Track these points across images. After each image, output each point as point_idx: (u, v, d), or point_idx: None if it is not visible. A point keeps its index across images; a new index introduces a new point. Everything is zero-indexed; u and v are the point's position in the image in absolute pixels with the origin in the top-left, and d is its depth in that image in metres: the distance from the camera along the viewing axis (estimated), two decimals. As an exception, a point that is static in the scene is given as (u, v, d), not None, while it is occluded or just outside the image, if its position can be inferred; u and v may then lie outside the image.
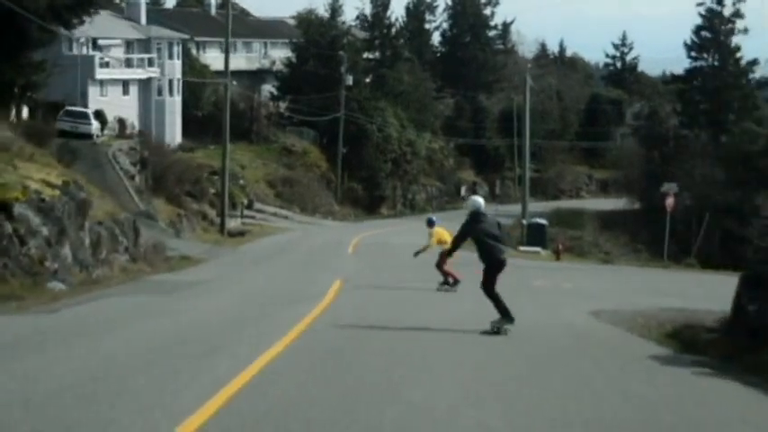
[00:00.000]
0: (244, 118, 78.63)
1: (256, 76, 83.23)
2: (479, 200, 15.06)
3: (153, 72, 71.47)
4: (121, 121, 53.11)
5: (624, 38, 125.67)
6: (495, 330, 14.44)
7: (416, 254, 23.75)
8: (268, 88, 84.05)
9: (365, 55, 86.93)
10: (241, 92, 78.92)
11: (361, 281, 24.95)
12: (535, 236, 43.76)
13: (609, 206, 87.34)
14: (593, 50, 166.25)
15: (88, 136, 45.93)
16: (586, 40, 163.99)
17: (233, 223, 57.32)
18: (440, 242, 22.60)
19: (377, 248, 40.59)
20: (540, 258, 41.26)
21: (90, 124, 46.55)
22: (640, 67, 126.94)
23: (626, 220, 75.50)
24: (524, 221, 45.12)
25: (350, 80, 77.57)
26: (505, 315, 14.58)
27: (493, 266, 14.61)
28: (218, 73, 76.98)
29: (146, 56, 71.11)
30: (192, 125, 74.85)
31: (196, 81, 73.77)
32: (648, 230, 67.45)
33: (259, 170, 73.77)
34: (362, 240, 47.65)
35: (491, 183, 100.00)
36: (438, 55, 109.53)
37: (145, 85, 71.54)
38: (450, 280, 22.52)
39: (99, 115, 51.79)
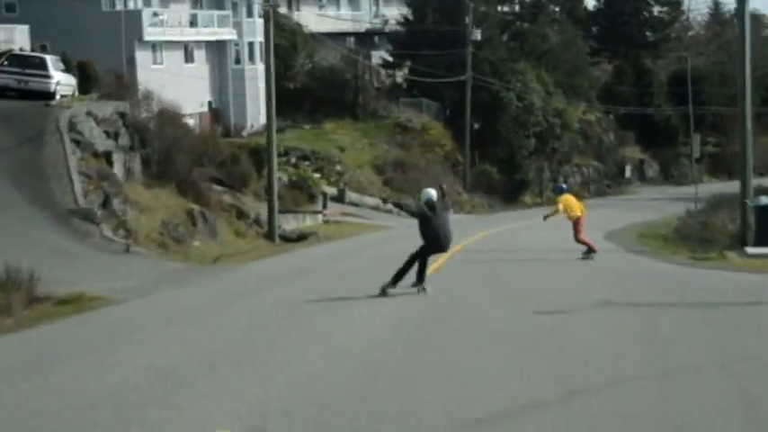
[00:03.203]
0: (347, 89, 60.80)
1: (366, 40, 65.17)
2: (431, 191, 15.73)
3: (228, 34, 54.50)
4: (119, 78, 35.74)
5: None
6: (382, 293, 14.90)
7: (546, 217, 23.03)
8: (381, 55, 65.84)
9: (500, 9, 67.44)
10: (345, 55, 61.09)
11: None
12: (771, 228, 23.90)
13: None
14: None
15: (46, 95, 28.73)
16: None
17: (308, 221, 39.51)
18: (567, 209, 22.01)
19: (489, 260, 22.03)
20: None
21: (49, 78, 29.07)
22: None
23: None
24: (749, 202, 25.16)
25: (478, 35, 58.50)
26: (397, 280, 15.13)
27: (429, 248, 15.32)
28: (314, 35, 59.71)
29: (216, 12, 54.16)
30: (281, 100, 57.40)
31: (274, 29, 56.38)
32: None
33: (364, 152, 55.71)
34: (479, 242, 29.05)
35: (662, 161, 78.53)
36: (591, 12, 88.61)
37: (217, 49, 54.68)
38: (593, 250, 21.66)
39: (81, 67, 34.45)
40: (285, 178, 42.79)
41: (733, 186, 70.74)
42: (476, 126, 61.54)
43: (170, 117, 29.99)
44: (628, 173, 73.74)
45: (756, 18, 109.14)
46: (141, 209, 26.11)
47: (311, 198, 41.11)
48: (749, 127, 26.16)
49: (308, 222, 39.43)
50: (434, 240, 15.11)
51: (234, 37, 54.38)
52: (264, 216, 32.89)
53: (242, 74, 55.19)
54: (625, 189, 72.48)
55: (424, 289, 15.13)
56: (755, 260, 22.39)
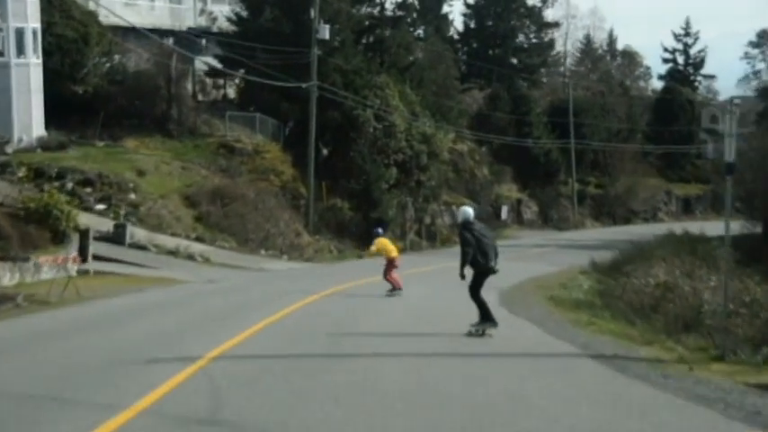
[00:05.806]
0: (159, 99, 45.72)
1: (188, 41, 50.16)
2: (469, 210, 14.38)
3: (-16, 15, 38.76)
4: None
5: (688, 26, 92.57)
6: (479, 333, 13.79)
7: (361, 256, 23.36)
8: (207, 60, 50.99)
9: (355, 10, 53.67)
10: (158, 55, 46.01)
11: None
12: None
13: (713, 230, 53.70)
14: (646, 45, 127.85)
15: None
16: (636, 31, 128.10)
17: (47, 273, 24.23)
18: (383, 250, 22.07)
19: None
20: None
21: None
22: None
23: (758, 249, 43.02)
24: None
25: (326, 32, 44.48)
26: (488, 319, 13.95)
27: (481, 273, 13.99)
28: (116, 29, 44.67)
29: (-34, -17, 38.42)
30: (65, 109, 41.93)
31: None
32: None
33: (173, 178, 40.52)
34: (313, 309, 14.70)
35: (541, 201, 66.16)
36: (460, 32, 76.23)
37: (-32, 35, 38.91)
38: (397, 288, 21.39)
39: None
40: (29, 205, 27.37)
41: (625, 231, 59.14)
42: (324, 151, 47.54)
43: None
44: (504, 214, 60.90)
45: (630, 55, 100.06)
46: None
47: (57, 237, 25.83)
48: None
49: (45, 275, 24.10)
50: (479, 263, 13.61)
51: (-7, 19, 38.72)
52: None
53: (7, 70, 39.50)
54: (501, 233, 59.60)
55: (484, 333, 13.68)
56: None
